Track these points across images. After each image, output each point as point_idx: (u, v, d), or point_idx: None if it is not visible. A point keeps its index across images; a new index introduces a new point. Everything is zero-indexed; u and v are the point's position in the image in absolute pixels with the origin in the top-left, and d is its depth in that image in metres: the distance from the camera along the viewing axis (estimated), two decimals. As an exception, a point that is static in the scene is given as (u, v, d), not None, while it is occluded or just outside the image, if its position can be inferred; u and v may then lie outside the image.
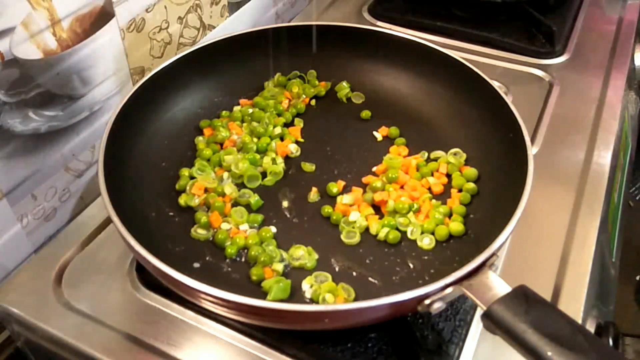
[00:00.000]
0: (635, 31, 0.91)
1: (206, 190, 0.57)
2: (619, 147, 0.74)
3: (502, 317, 0.38)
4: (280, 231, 0.55)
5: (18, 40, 0.51)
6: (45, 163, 0.58)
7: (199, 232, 0.54)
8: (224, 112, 0.66)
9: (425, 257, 0.52)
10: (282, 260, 0.52)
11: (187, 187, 0.57)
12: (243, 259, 0.52)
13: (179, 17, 0.70)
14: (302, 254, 0.52)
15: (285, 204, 0.58)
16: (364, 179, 0.60)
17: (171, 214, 0.56)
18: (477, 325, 0.50)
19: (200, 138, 0.63)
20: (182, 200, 0.56)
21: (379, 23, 0.91)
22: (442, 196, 0.58)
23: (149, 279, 0.53)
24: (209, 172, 0.59)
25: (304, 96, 0.69)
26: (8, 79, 0.51)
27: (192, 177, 0.58)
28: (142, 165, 0.58)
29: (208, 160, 0.60)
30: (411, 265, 0.52)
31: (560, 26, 0.87)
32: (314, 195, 0.58)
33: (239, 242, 0.53)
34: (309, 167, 0.61)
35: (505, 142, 0.56)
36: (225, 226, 0.54)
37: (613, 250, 0.75)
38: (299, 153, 0.63)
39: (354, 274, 0.51)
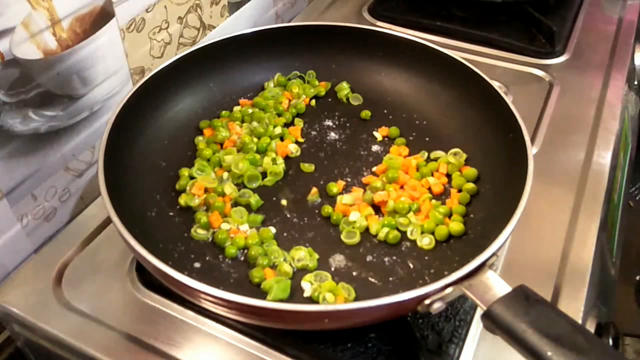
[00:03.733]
0: (635, 31, 0.91)
1: (206, 190, 0.57)
2: (619, 147, 0.74)
3: (502, 317, 0.38)
4: (280, 231, 0.55)
5: (18, 40, 0.51)
6: (45, 163, 0.58)
7: (199, 232, 0.54)
8: (224, 112, 0.66)
9: (425, 257, 0.52)
10: (284, 260, 0.52)
11: (187, 187, 0.57)
12: (243, 259, 0.52)
13: (179, 17, 0.70)
14: (303, 255, 0.52)
15: (285, 203, 0.58)
16: (364, 179, 0.60)
17: (171, 214, 0.56)
18: (477, 325, 0.50)
19: (200, 138, 0.63)
20: (182, 200, 0.56)
21: (379, 23, 0.91)
22: (442, 196, 0.58)
23: (149, 279, 0.53)
24: (209, 172, 0.58)
25: (304, 96, 0.69)
26: (8, 79, 0.51)
27: (192, 177, 0.58)
28: (142, 165, 0.58)
29: (208, 160, 0.60)
30: (411, 265, 0.52)
31: (560, 26, 0.87)
32: (313, 195, 0.58)
33: (239, 242, 0.53)
34: (308, 167, 0.61)
35: (505, 142, 0.56)
36: (225, 226, 0.54)
37: (613, 250, 0.75)
38: (299, 153, 0.63)
39: (354, 274, 0.51)
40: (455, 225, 0.53)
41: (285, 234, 0.55)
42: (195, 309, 0.51)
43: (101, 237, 0.59)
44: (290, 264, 0.51)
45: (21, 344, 0.56)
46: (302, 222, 0.56)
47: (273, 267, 0.51)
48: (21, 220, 0.57)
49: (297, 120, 0.67)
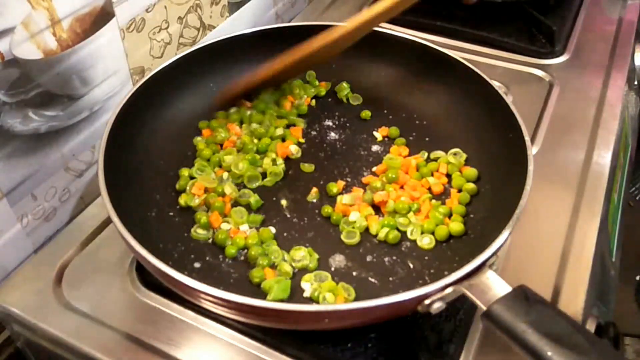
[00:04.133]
0: (635, 31, 0.91)
1: (206, 190, 0.57)
2: (619, 147, 0.74)
3: (502, 317, 0.38)
4: (280, 231, 0.55)
5: (18, 40, 0.51)
6: (45, 163, 0.58)
7: (199, 232, 0.54)
8: (219, 113, 0.66)
9: (425, 257, 0.52)
10: (284, 260, 0.52)
11: (187, 187, 0.57)
12: (243, 259, 0.52)
13: (179, 17, 0.70)
14: (303, 255, 0.52)
15: (285, 204, 0.58)
16: (364, 179, 0.60)
17: (171, 214, 0.56)
18: (477, 325, 0.50)
19: (199, 138, 0.63)
20: (182, 200, 0.56)
21: (379, 23, 0.91)
22: (442, 196, 0.58)
23: (149, 279, 0.53)
24: (209, 172, 0.58)
25: (305, 96, 0.68)
26: (8, 79, 0.51)
27: (192, 177, 0.58)
28: (142, 165, 0.58)
29: (208, 160, 0.60)
30: (411, 265, 0.52)
31: (560, 26, 0.87)
32: (313, 195, 0.58)
33: (239, 242, 0.53)
34: (308, 167, 0.61)
35: (505, 142, 0.56)
36: (225, 226, 0.54)
37: (613, 250, 0.75)
38: (299, 154, 0.63)
39: (354, 274, 0.51)
40: (456, 226, 0.53)
41: (285, 234, 0.55)
42: (195, 309, 0.51)
43: (101, 237, 0.59)
44: (291, 264, 0.51)
45: (21, 344, 0.56)
46: (302, 222, 0.56)
47: (273, 267, 0.51)
48: (21, 220, 0.57)
49: (298, 120, 0.67)
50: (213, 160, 0.60)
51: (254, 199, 0.57)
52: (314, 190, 0.58)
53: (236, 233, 0.54)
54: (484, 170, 0.59)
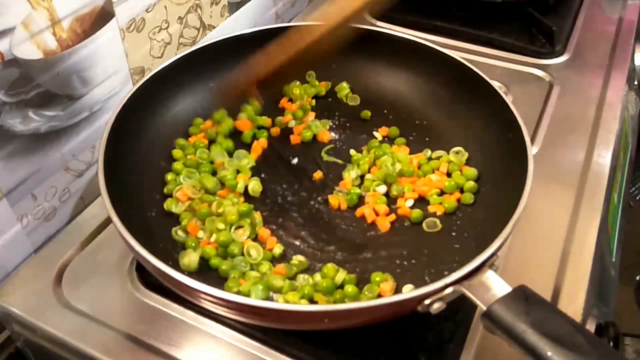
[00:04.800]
0: (635, 31, 0.91)
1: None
2: (619, 147, 0.74)
3: (502, 317, 0.38)
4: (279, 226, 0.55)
5: (18, 40, 0.51)
6: (45, 163, 0.58)
7: (180, 235, 0.53)
8: (196, 120, 0.64)
9: (425, 257, 0.52)
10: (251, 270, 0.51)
11: (173, 193, 0.56)
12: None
13: (179, 17, 0.70)
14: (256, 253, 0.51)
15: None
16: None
17: (171, 214, 0.56)
18: (477, 325, 0.50)
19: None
20: (166, 205, 0.55)
21: (379, 23, 0.91)
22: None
23: (149, 279, 0.53)
24: (196, 179, 0.58)
25: (305, 96, 0.68)
26: (8, 79, 0.51)
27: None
28: (142, 165, 0.58)
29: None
30: (411, 265, 0.52)
31: (560, 26, 0.87)
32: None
33: (210, 252, 0.51)
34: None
35: (505, 142, 0.56)
36: (200, 234, 0.53)
37: (613, 250, 0.75)
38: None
39: (358, 270, 0.51)
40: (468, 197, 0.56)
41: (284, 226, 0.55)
42: (195, 309, 0.51)
43: (101, 237, 0.59)
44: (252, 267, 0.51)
45: (21, 344, 0.56)
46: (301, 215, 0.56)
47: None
48: (21, 220, 0.57)
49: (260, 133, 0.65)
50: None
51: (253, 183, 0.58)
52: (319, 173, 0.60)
53: (205, 244, 0.52)
54: (484, 170, 0.59)
